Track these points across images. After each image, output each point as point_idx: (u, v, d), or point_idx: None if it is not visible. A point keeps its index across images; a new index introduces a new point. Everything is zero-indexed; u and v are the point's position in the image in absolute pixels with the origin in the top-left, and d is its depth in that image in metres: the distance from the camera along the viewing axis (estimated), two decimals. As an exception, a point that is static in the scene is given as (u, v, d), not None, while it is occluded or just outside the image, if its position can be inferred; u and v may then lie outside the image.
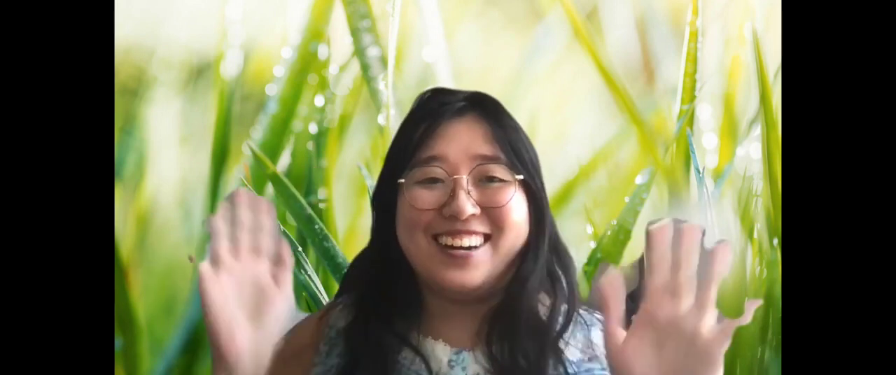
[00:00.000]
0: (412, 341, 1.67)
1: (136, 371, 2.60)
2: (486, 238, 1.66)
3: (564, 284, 1.70)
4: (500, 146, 1.68)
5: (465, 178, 1.65)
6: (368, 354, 1.66)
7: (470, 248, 1.65)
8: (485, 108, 1.70)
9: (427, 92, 1.74)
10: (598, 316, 1.71)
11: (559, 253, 1.72)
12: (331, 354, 1.70)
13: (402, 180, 1.68)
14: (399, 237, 1.69)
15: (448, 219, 1.65)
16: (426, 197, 1.66)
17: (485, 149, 1.67)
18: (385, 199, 1.71)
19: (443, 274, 1.65)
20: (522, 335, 1.65)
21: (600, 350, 1.68)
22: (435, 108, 1.70)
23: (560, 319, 1.67)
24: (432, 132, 1.69)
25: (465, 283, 1.65)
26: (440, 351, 1.67)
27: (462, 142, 1.68)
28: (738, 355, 1.88)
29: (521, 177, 1.67)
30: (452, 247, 1.65)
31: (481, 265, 1.65)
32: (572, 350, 1.67)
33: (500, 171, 1.67)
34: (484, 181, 1.67)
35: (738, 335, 1.86)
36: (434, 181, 1.67)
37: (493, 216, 1.66)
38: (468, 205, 1.64)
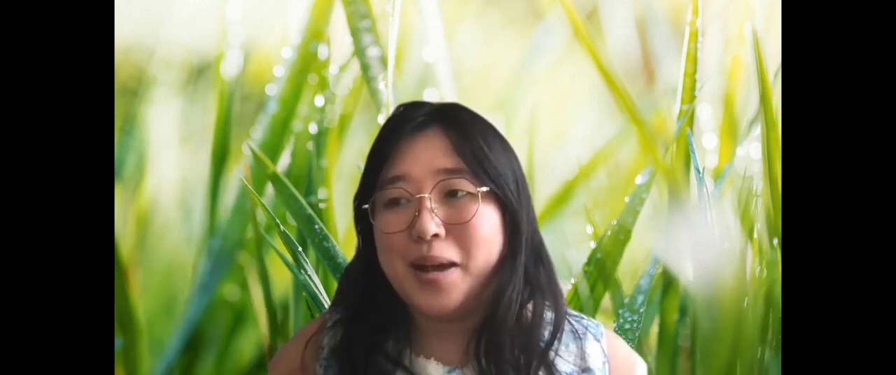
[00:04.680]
0: (404, 361, 1.65)
1: (136, 371, 2.60)
2: (456, 264, 1.62)
3: (549, 293, 1.67)
4: (463, 157, 1.63)
5: (427, 197, 1.62)
6: None
7: (440, 268, 1.61)
8: (446, 120, 1.66)
9: (399, 107, 1.70)
10: (592, 325, 1.70)
11: (542, 260, 1.68)
12: None
13: (366, 206, 1.65)
14: (379, 261, 1.66)
15: (417, 243, 1.61)
16: (393, 221, 1.63)
17: (447, 162, 1.63)
18: (363, 221, 1.69)
19: (419, 300, 1.62)
20: (506, 349, 1.62)
21: (594, 360, 1.67)
22: (398, 126, 1.66)
23: (548, 329, 1.65)
24: (395, 151, 1.64)
25: (442, 308, 1.62)
26: (433, 370, 1.65)
27: (424, 157, 1.63)
28: (738, 355, 1.88)
29: (485, 188, 1.63)
30: (425, 269, 1.62)
31: (454, 287, 1.62)
32: (564, 362, 1.66)
33: (463, 184, 1.63)
34: (448, 196, 1.63)
35: (739, 335, 1.86)
36: (399, 202, 1.63)
37: (459, 234, 1.62)
38: (431, 225, 1.61)
